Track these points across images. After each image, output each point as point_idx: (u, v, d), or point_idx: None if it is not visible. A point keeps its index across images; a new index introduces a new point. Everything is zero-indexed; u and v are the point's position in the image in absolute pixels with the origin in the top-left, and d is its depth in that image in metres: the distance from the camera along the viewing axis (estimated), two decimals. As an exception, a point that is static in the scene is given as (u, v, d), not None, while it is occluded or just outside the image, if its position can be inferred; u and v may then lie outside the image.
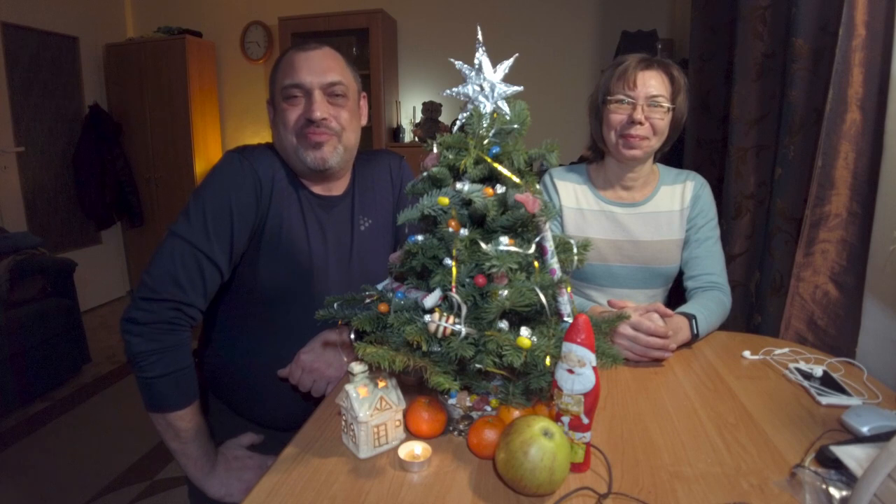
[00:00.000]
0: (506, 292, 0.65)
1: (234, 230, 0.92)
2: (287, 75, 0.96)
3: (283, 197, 0.98)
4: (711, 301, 1.10)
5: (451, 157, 0.72)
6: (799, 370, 0.91)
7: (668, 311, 0.99)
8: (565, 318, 0.74)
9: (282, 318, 1.00)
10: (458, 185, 0.71)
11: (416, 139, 3.45)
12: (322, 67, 0.96)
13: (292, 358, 0.99)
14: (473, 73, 0.74)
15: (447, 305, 0.68)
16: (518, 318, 0.71)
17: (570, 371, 0.62)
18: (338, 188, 1.07)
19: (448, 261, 0.68)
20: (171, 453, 0.93)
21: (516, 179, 0.70)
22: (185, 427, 0.89)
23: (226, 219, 0.91)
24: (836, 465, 0.62)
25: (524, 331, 0.66)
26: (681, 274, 1.22)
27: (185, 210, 0.92)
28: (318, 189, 1.04)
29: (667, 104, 1.10)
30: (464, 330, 0.65)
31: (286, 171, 1.01)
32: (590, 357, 0.61)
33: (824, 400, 0.81)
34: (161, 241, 0.91)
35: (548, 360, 0.66)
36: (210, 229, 0.89)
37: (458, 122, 0.76)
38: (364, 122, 1.08)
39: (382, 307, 0.72)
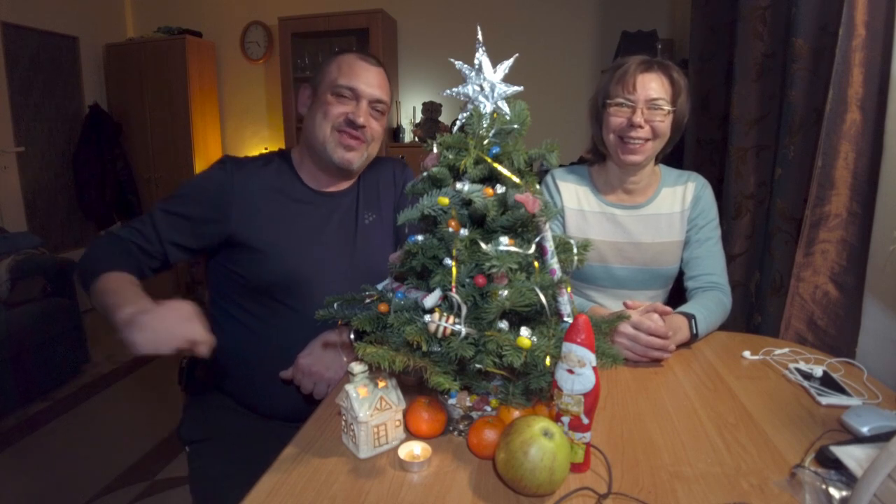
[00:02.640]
0: (506, 292, 0.65)
1: (186, 234, 1.02)
2: (345, 76, 1.04)
3: (276, 204, 1.05)
4: (711, 301, 1.10)
5: (451, 157, 0.72)
6: (799, 370, 0.91)
7: (668, 309, 0.99)
8: (565, 318, 0.74)
9: (285, 307, 1.03)
10: (458, 185, 0.71)
11: (416, 139, 3.45)
12: (376, 83, 1.06)
13: (296, 347, 1.00)
14: (473, 73, 0.74)
15: (447, 305, 0.68)
16: (518, 318, 0.71)
17: (570, 371, 0.62)
18: (343, 183, 1.13)
19: (448, 261, 0.68)
20: (170, 452, 0.93)
21: (516, 179, 0.70)
22: (106, 288, 0.86)
23: (181, 222, 1.02)
24: (836, 465, 0.62)
25: (524, 331, 0.66)
26: (681, 274, 1.22)
27: (170, 195, 1.05)
28: (324, 185, 1.11)
29: (667, 106, 1.09)
30: (464, 330, 0.65)
31: (287, 175, 1.09)
32: (590, 357, 0.61)
33: (824, 400, 0.81)
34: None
35: (548, 360, 0.66)
36: (168, 224, 1.01)
37: (458, 122, 0.76)
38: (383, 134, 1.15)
39: (382, 307, 0.72)
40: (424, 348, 0.66)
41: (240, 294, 1.05)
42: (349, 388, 0.68)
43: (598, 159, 1.24)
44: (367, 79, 1.05)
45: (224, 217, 1.02)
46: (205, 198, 1.02)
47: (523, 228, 0.72)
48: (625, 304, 1.01)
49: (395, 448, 0.69)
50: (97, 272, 0.89)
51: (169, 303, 0.78)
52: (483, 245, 0.68)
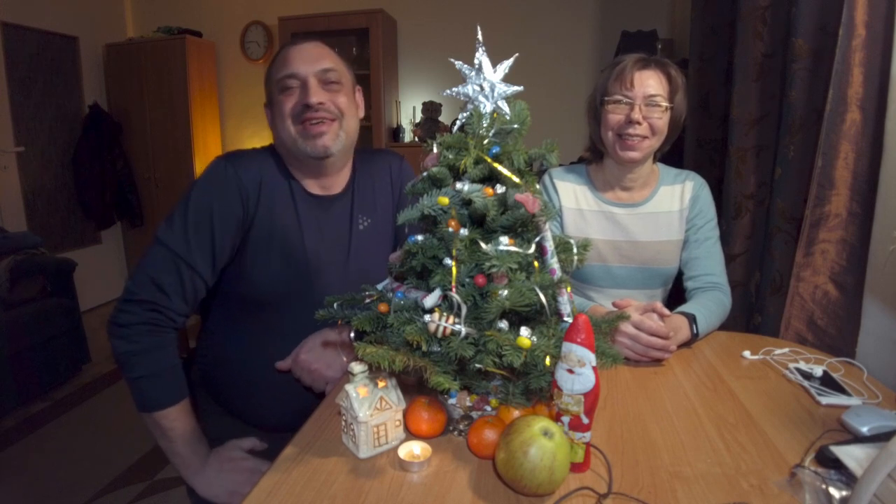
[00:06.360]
0: (506, 292, 0.65)
1: (216, 238, 0.92)
2: (281, 68, 0.98)
3: (274, 199, 0.98)
4: (711, 301, 1.10)
5: (451, 157, 0.72)
6: (799, 370, 0.91)
7: (666, 311, 0.99)
8: (565, 318, 0.74)
9: (279, 318, 1.00)
10: (458, 185, 0.71)
11: (416, 139, 3.45)
12: (314, 56, 0.98)
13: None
14: (473, 73, 0.74)
15: (447, 305, 0.68)
16: (518, 318, 0.71)
17: (570, 371, 0.62)
18: (337, 186, 1.06)
19: (448, 261, 0.68)
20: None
21: (516, 179, 0.70)
22: (171, 426, 0.91)
23: (206, 227, 0.91)
24: (836, 465, 0.62)
25: (524, 331, 0.66)
26: (681, 274, 1.22)
27: (170, 215, 0.93)
28: (316, 188, 1.04)
29: (665, 103, 1.09)
30: (464, 330, 0.65)
31: (281, 172, 1.01)
32: (590, 357, 0.61)
33: (824, 400, 0.81)
34: (147, 246, 0.93)
35: (548, 360, 0.66)
36: (191, 237, 0.90)
37: (458, 122, 0.76)
38: (361, 114, 1.07)
39: (382, 307, 0.72)
40: (424, 348, 0.66)
41: (232, 309, 1.02)
42: (349, 387, 0.68)
43: (597, 158, 1.24)
44: (302, 56, 0.97)
45: (247, 214, 0.95)
46: (225, 203, 0.92)
47: (523, 228, 0.72)
48: (614, 304, 1.01)
49: (395, 448, 0.69)
50: (145, 404, 0.90)
51: (223, 461, 0.95)
52: (483, 245, 0.68)
